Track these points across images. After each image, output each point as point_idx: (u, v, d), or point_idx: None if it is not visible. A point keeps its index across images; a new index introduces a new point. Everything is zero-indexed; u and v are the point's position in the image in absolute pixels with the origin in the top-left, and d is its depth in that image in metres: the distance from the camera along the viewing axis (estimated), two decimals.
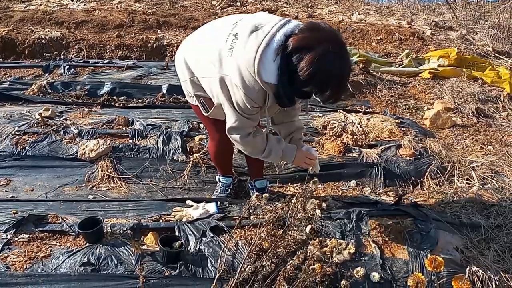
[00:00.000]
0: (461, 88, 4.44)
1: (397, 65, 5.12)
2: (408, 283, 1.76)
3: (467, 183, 2.94)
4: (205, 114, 2.19)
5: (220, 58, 1.89)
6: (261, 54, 1.76)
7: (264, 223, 2.20)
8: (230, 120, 2.01)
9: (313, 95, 1.94)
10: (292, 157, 2.22)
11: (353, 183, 2.90)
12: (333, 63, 1.72)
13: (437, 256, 1.70)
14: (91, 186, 2.77)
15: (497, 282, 2.12)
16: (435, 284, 1.94)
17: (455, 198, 2.79)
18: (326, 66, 1.71)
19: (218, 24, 2.07)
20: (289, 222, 2.18)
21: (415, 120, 3.85)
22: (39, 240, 2.16)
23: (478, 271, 2.11)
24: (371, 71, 4.65)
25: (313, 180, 2.24)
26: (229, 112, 1.99)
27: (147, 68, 4.38)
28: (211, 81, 2.00)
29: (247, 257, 2.01)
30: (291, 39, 1.75)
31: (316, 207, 2.34)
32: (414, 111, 4.07)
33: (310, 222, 2.23)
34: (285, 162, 2.93)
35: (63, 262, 2.02)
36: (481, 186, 2.91)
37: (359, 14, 7.10)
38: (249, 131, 2.05)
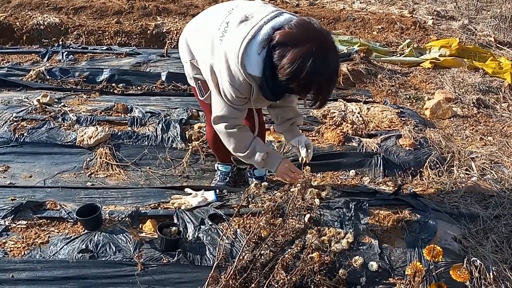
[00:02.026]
0: (462, 79, 4.41)
1: (398, 55, 5.09)
2: (406, 272, 1.76)
3: (466, 173, 2.94)
4: (200, 98, 2.20)
5: (212, 45, 1.89)
6: (246, 46, 1.74)
7: (263, 212, 2.20)
8: (217, 109, 2.00)
9: (297, 96, 1.92)
10: (275, 165, 2.18)
11: (352, 172, 2.89)
12: (316, 65, 1.66)
13: (435, 246, 1.70)
14: (89, 173, 2.76)
15: (494, 272, 2.12)
16: (433, 274, 1.94)
17: (454, 189, 2.79)
18: (308, 66, 1.66)
19: (217, 10, 2.06)
20: (287, 211, 2.18)
21: (416, 110, 3.83)
22: (37, 227, 2.16)
23: (476, 261, 2.11)
24: (372, 60, 4.61)
25: (305, 168, 2.22)
26: (216, 100, 1.98)
27: (147, 55, 4.35)
28: (206, 66, 1.99)
29: (246, 246, 2.00)
30: (278, 32, 1.71)
31: (315, 196, 2.34)
32: (414, 101, 4.05)
33: (308, 211, 2.23)
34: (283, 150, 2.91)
35: (61, 248, 2.03)
36: (480, 177, 2.91)
37: (360, 2, 7.03)
38: (235, 123, 2.03)
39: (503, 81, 4.47)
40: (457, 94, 4.11)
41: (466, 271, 1.87)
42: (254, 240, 2.05)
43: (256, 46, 1.74)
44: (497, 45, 5.75)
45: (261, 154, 2.11)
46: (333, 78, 1.79)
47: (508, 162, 3.08)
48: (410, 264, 1.89)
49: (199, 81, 2.17)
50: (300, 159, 2.29)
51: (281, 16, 1.79)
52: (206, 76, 2.03)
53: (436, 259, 1.74)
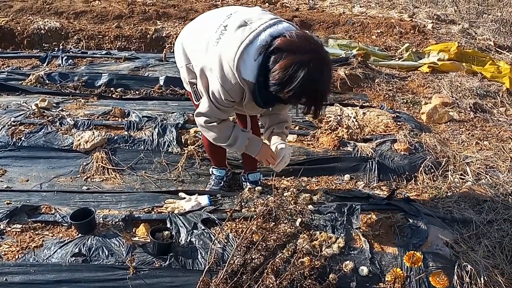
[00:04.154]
0: (459, 83, 4.41)
1: (397, 59, 5.10)
2: (387, 278, 1.77)
3: (461, 178, 2.94)
4: (196, 102, 2.22)
5: (207, 47, 1.91)
6: (242, 50, 1.75)
7: (255, 216, 2.22)
8: (202, 106, 2.01)
9: (289, 105, 1.92)
10: (256, 150, 2.19)
11: (347, 177, 2.90)
12: (309, 76, 1.65)
13: (415, 252, 1.71)
14: (85, 177, 2.79)
15: (486, 278, 2.12)
16: (415, 279, 1.95)
17: (449, 193, 2.79)
18: (301, 75, 1.65)
19: (215, 14, 2.08)
20: (279, 215, 2.20)
21: (412, 114, 3.84)
22: (32, 231, 2.18)
23: (467, 266, 2.12)
24: (370, 65, 4.63)
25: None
26: (203, 99, 2.00)
27: (145, 60, 4.38)
28: (198, 69, 2.01)
29: (237, 250, 2.02)
30: (278, 39, 1.72)
31: (308, 200, 2.36)
32: (411, 105, 4.05)
33: (300, 215, 2.24)
34: None
35: (54, 252, 2.05)
36: (475, 182, 2.91)
37: (360, 6, 7.05)
38: (215, 120, 2.04)
39: (501, 86, 4.47)
40: (454, 98, 4.11)
41: (445, 277, 1.88)
42: (245, 245, 2.06)
43: (253, 52, 1.75)
44: (497, 49, 5.75)
45: (243, 141, 2.11)
46: (325, 93, 1.78)
47: (503, 166, 3.08)
48: (391, 270, 1.90)
49: (195, 86, 2.18)
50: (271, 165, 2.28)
51: (280, 25, 1.80)
52: (198, 78, 2.05)
53: (416, 265, 1.74)
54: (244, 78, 1.79)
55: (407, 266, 1.97)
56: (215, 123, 2.03)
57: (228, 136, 2.08)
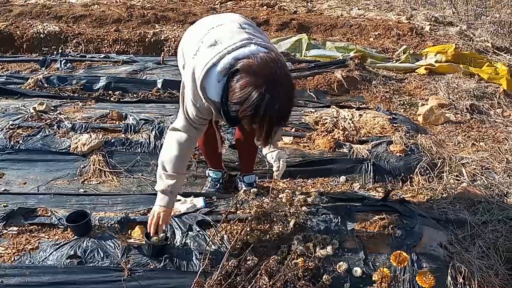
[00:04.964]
0: (456, 84, 4.43)
1: (394, 61, 5.11)
2: (374, 278, 1.79)
3: (456, 179, 2.95)
4: None
5: (187, 60, 1.93)
6: (206, 71, 1.75)
7: (249, 218, 2.23)
8: (177, 121, 1.99)
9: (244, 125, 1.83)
10: (157, 204, 2.06)
11: (342, 178, 2.91)
12: (263, 98, 1.62)
13: (401, 252, 1.72)
14: (82, 180, 2.80)
15: (479, 278, 2.13)
16: (400, 279, 1.97)
17: (444, 195, 2.80)
18: (255, 97, 1.62)
19: (203, 24, 2.08)
20: (273, 217, 2.22)
21: (409, 116, 3.85)
22: (28, 233, 2.20)
23: (461, 267, 2.13)
24: (367, 67, 4.65)
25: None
26: (180, 113, 1.98)
27: (143, 63, 4.40)
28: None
29: (231, 251, 2.03)
30: (241, 61, 1.69)
31: (302, 202, 2.37)
32: (408, 107, 4.07)
33: (294, 217, 2.26)
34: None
35: (50, 254, 2.06)
36: (471, 183, 2.92)
37: (358, 9, 7.08)
38: (182, 138, 1.99)
39: (498, 87, 4.48)
40: (451, 100, 4.12)
41: (432, 277, 1.89)
42: (240, 246, 2.08)
43: (216, 74, 1.75)
44: (495, 50, 5.76)
45: (168, 182, 2.02)
46: (279, 118, 1.71)
47: (499, 167, 3.09)
48: (378, 270, 1.92)
49: None
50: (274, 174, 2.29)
51: (248, 47, 1.76)
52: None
53: (402, 265, 1.75)
54: (209, 98, 1.80)
55: (397, 267, 1.97)
56: (177, 135, 1.99)
57: (172, 159, 2.00)
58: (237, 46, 1.77)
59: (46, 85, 3.95)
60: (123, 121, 3.29)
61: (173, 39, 5.25)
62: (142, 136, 3.11)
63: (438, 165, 3.04)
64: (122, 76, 4.14)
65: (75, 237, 2.16)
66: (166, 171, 2.02)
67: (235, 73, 1.68)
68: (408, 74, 4.79)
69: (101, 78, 4.02)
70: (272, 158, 2.26)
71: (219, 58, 1.75)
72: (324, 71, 4.41)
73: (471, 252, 2.28)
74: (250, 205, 2.41)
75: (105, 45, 5.19)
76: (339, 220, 2.31)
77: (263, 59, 1.68)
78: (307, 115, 3.51)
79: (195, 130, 1.99)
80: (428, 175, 2.95)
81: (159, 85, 4.00)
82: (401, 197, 2.69)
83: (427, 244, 2.23)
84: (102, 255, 2.07)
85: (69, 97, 3.73)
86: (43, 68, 4.32)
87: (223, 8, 6.54)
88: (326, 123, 3.34)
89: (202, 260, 2.04)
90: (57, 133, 3.09)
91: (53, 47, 5.09)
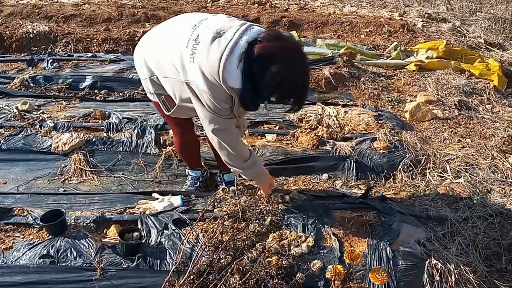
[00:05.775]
0: (446, 81, 4.39)
1: (385, 58, 5.08)
2: (327, 276, 1.78)
3: (440, 176, 2.93)
4: (166, 113, 2.19)
5: (183, 64, 1.89)
6: (225, 62, 1.77)
7: (225, 216, 2.22)
8: (209, 122, 2.00)
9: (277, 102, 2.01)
10: (264, 179, 2.29)
11: (325, 176, 2.89)
12: (297, 74, 1.80)
13: (354, 249, 1.71)
14: (63, 179, 2.79)
15: (457, 276, 2.11)
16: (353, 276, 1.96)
17: (427, 192, 2.78)
18: (291, 77, 1.79)
19: (177, 25, 2.04)
20: (249, 215, 2.20)
21: (397, 113, 3.82)
22: (3, 232, 2.19)
23: (437, 264, 2.11)
24: (356, 64, 4.61)
25: None
26: (203, 115, 1.98)
27: (130, 62, 4.36)
28: (173, 82, 2.00)
29: (204, 249, 2.02)
30: (256, 47, 1.77)
31: (280, 199, 2.36)
32: (396, 103, 4.04)
33: (271, 214, 2.24)
34: None
35: (23, 254, 2.05)
36: (454, 179, 2.89)
37: (351, 6, 7.05)
38: (232, 131, 2.05)
39: (489, 83, 4.44)
40: (439, 96, 4.09)
41: (385, 273, 1.87)
42: (213, 244, 2.06)
43: (235, 61, 1.78)
44: (487, 46, 5.72)
45: (260, 168, 2.23)
46: (307, 84, 1.91)
47: (483, 164, 3.07)
48: (330, 267, 1.91)
49: (163, 96, 2.15)
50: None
51: (252, 29, 1.84)
52: (174, 91, 2.04)
53: (355, 262, 1.73)
54: (232, 87, 1.83)
55: (351, 263, 1.96)
56: (236, 139, 2.09)
57: (247, 157, 2.13)
58: (243, 30, 1.82)
59: (32, 84, 3.94)
60: (106, 120, 3.28)
61: None
62: (124, 135, 3.10)
63: (422, 161, 3.01)
64: (109, 75, 4.12)
65: (50, 236, 2.15)
66: (247, 162, 2.13)
67: (258, 60, 1.76)
68: (397, 70, 4.76)
69: (87, 77, 4.00)
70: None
71: (234, 44, 1.78)
72: (312, 68, 4.38)
73: (450, 249, 2.26)
74: (227, 203, 2.39)
75: (94, 44, 5.17)
76: (316, 218, 2.29)
77: (274, 37, 1.79)
78: (292, 113, 3.49)
79: (228, 121, 2.01)
80: (411, 172, 2.93)
81: None
82: (382, 194, 2.67)
83: (405, 241, 2.21)
84: (75, 255, 2.05)
85: (54, 96, 3.72)
86: (30, 68, 4.30)
87: (215, 7, 6.51)
88: (310, 120, 3.32)
89: (175, 259, 2.02)
90: (39, 132, 3.08)
91: (42, 46, 5.08)
